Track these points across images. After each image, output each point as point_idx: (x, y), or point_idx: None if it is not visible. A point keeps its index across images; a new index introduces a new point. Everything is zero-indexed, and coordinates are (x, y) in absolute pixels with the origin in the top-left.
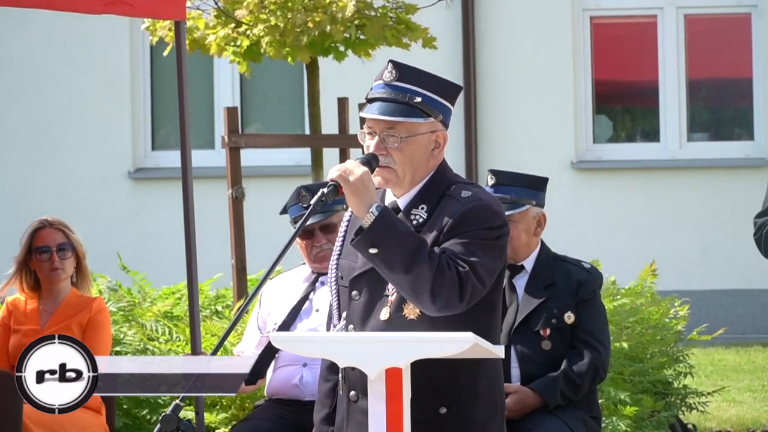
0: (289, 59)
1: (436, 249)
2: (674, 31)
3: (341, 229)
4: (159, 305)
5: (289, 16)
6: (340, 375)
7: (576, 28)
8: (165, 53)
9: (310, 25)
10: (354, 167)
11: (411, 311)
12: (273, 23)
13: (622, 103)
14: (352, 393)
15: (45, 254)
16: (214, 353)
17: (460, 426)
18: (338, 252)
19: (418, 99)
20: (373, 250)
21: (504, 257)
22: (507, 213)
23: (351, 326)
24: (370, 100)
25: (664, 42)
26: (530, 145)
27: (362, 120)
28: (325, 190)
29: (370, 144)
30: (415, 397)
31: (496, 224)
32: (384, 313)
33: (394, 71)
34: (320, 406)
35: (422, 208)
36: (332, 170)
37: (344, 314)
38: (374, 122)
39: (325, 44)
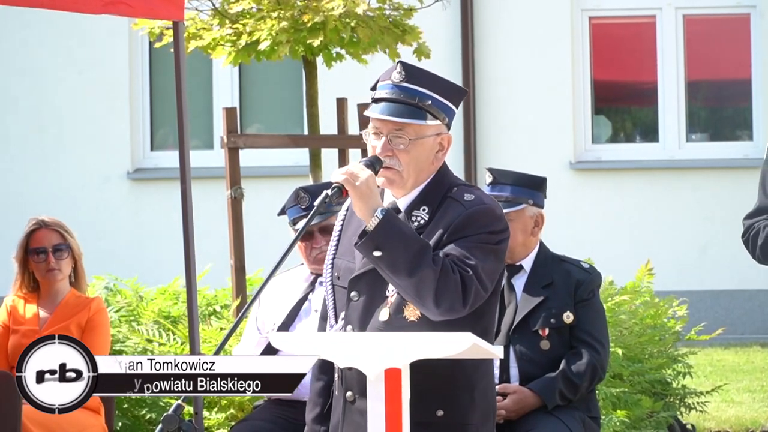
0: (285, 52)
1: (441, 252)
2: (673, 31)
3: (336, 229)
4: (156, 303)
5: (286, 14)
6: (336, 375)
7: (575, 29)
8: (156, 44)
9: (306, 19)
10: (359, 171)
11: (411, 313)
12: (270, 24)
13: (621, 104)
14: (349, 393)
15: (41, 255)
16: (216, 354)
17: (457, 429)
18: (333, 252)
19: (428, 101)
20: (377, 253)
21: (503, 261)
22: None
23: (350, 326)
24: (376, 100)
25: (663, 42)
26: (529, 145)
27: (364, 119)
28: (330, 191)
29: (376, 144)
30: (413, 400)
31: (498, 228)
32: (383, 314)
33: (403, 72)
34: (312, 405)
35: (423, 210)
36: (336, 173)
37: (342, 315)
38: (382, 123)
39: (319, 45)
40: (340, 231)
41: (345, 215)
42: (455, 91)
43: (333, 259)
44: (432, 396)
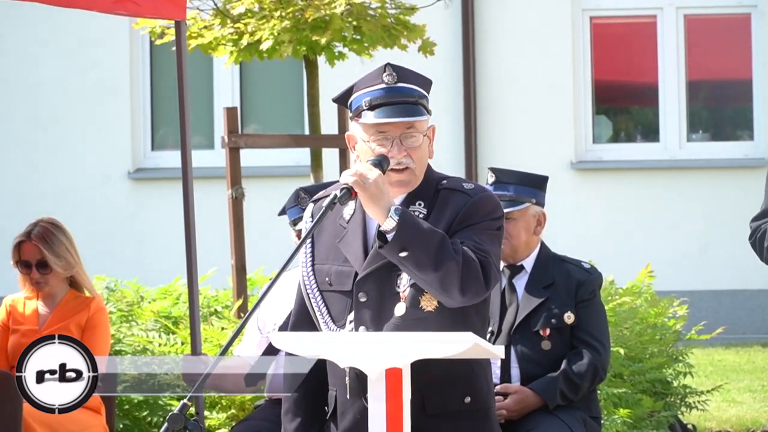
0: (288, 52)
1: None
2: (674, 31)
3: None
4: (157, 304)
5: (288, 12)
6: (347, 379)
7: (576, 29)
8: (157, 41)
9: (307, 15)
10: (368, 171)
11: (428, 303)
12: (272, 23)
13: (622, 104)
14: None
15: (27, 268)
16: (221, 355)
17: (482, 413)
18: (311, 259)
19: (423, 98)
20: (403, 254)
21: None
22: (506, 210)
23: (362, 328)
24: (373, 107)
25: (663, 42)
26: (530, 145)
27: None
28: (338, 193)
29: (389, 150)
30: (441, 389)
31: (499, 215)
32: (399, 309)
33: (394, 74)
34: (291, 416)
35: (419, 205)
36: (345, 175)
37: (350, 318)
38: (391, 126)
39: (321, 43)
40: (312, 238)
41: (312, 221)
42: (429, 82)
43: (312, 266)
44: (459, 383)
